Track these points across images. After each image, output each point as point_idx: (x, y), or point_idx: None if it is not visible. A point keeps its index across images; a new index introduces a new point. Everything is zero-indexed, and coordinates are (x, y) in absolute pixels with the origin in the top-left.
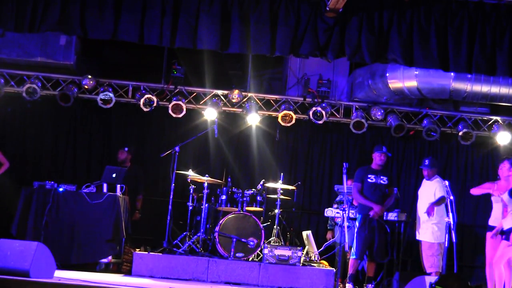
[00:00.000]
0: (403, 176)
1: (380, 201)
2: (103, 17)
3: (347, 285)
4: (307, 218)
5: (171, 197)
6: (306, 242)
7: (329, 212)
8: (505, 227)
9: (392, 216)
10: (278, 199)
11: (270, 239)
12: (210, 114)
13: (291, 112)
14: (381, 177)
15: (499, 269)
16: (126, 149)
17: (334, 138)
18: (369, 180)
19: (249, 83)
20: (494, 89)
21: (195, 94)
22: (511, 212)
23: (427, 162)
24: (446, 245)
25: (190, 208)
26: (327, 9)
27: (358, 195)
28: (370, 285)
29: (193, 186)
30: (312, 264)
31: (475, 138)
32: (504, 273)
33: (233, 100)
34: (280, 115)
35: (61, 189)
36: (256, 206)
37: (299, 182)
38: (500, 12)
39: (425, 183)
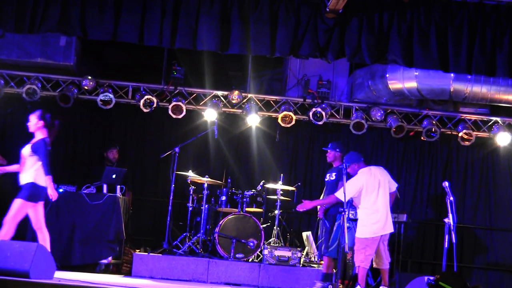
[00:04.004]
0: (403, 177)
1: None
2: (103, 18)
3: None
4: (307, 219)
5: (171, 198)
6: (306, 243)
7: None
8: (22, 182)
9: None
10: (278, 200)
11: (270, 240)
12: (210, 115)
13: (291, 113)
14: (332, 173)
15: (42, 233)
16: (118, 147)
17: (334, 139)
18: (325, 179)
19: (249, 84)
20: (494, 90)
21: (195, 95)
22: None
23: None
24: (446, 246)
25: (190, 209)
26: (327, 10)
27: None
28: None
29: (193, 187)
30: (312, 265)
31: (475, 139)
32: (46, 236)
33: (233, 101)
34: (280, 116)
35: (61, 190)
36: (256, 207)
37: (299, 183)
38: (500, 13)
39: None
